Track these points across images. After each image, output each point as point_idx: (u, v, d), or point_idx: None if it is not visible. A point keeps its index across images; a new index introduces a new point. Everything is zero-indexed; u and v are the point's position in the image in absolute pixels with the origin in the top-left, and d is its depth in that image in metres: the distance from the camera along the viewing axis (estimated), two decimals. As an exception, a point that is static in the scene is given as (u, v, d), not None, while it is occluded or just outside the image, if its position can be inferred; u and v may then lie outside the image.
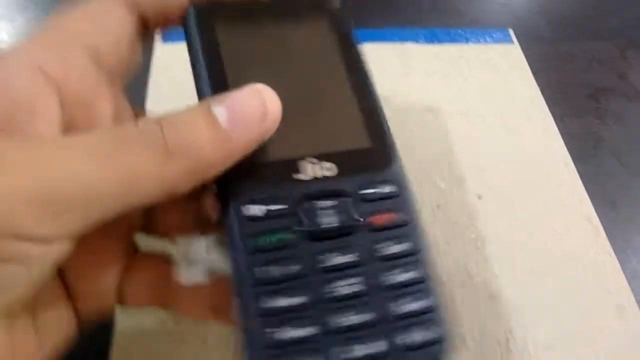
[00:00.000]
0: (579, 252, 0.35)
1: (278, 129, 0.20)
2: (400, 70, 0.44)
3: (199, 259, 0.23)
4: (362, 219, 0.21)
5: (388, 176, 0.22)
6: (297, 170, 0.21)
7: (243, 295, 0.20)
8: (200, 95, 0.22)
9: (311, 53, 0.25)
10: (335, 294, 0.20)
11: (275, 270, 0.20)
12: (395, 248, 0.21)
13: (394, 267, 0.21)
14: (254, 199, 0.21)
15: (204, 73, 0.22)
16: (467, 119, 0.41)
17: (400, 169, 0.23)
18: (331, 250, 0.21)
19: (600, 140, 0.42)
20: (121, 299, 0.22)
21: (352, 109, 0.23)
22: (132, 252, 0.23)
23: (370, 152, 0.23)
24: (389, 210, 0.22)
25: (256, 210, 0.20)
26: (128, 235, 0.23)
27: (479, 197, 0.37)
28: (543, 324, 0.32)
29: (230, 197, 0.21)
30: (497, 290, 0.33)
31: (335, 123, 0.23)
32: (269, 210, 0.21)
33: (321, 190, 0.21)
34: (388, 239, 0.21)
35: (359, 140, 0.23)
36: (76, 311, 0.21)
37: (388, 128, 0.23)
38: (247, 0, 0.25)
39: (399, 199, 0.22)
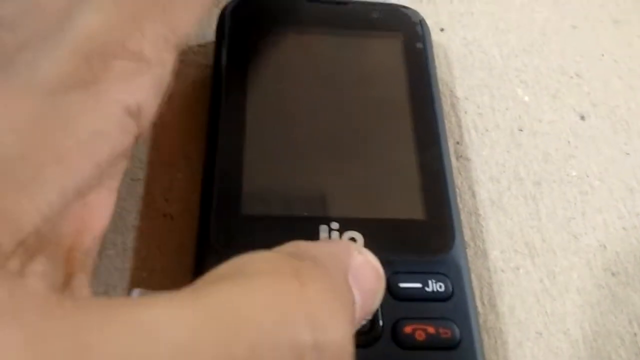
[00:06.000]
0: None
1: (303, 177, 0.17)
2: None
3: None
4: (388, 326, 0.14)
5: (439, 264, 0.15)
6: (314, 236, 0.16)
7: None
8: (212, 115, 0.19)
9: (371, 80, 0.20)
10: None
11: None
12: None
13: None
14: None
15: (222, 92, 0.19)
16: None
17: (461, 259, 0.16)
18: None
19: None
20: None
21: (407, 165, 0.18)
22: None
23: (420, 226, 0.17)
24: (431, 320, 0.15)
25: None
26: None
27: (582, 118, 0.26)
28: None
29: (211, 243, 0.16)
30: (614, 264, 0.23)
31: (378, 181, 0.18)
32: None
33: None
34: None
35: (407, 208, 0.17)
36: None
37: (453, 198, 0.18)
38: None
39: (451, 304, 0.15)
